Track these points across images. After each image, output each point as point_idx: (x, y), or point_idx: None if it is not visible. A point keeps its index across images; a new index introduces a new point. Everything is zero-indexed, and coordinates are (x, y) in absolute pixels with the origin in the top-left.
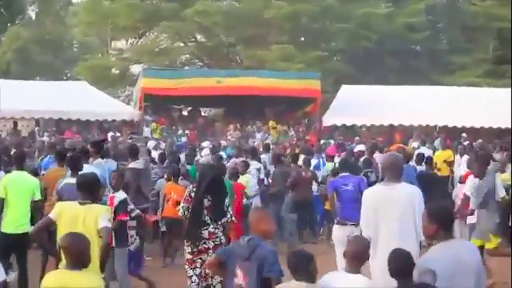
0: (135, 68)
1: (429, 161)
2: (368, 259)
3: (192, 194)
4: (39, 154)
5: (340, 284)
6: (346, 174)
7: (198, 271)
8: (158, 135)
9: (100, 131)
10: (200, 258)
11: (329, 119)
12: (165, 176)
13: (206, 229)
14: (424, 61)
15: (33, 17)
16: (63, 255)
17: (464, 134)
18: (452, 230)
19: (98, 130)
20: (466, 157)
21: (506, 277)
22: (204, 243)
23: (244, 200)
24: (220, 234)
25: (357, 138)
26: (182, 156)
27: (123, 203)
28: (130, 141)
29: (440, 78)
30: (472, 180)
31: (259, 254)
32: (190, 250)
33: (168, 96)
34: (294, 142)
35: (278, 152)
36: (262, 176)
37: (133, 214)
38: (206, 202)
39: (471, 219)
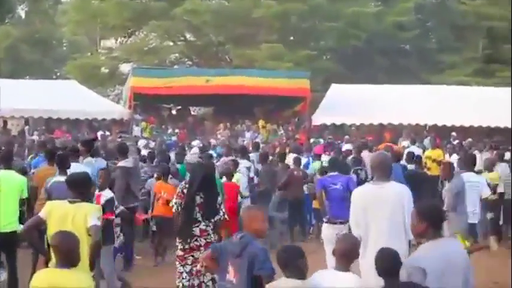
0: (125, 67)
1: (418, 159)
2: (357, 257)
3: (185, 191)
4: (29, 153)
5: (330, 281)
6: (335, 173)
7: (188, 268)
8: (148, 134)
9: (90, 130)
10: (192, 256)
11: (318, 118)
12: (155, 175)
13: (197, 226)
14: (414, 60)
15: (23, 15)
16: (53, 254)
17: (454, 133)
18: (441, 229)
19: (87, 129)
20: (455, 156)
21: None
22: (196, 240)
23: (239, 199)
24: (211, 231)
25: (346, 137)
26: (172, 155)
27: (110, 201)
28: (119, 140)
29: (430, 77)
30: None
31: (250, 252)
32: (181, 247)
33: (158, 95)
34: (284, 141)
35: (266, 151)
36: (252, 174)
37: (117, 211)
38: (198, 199)
39: None
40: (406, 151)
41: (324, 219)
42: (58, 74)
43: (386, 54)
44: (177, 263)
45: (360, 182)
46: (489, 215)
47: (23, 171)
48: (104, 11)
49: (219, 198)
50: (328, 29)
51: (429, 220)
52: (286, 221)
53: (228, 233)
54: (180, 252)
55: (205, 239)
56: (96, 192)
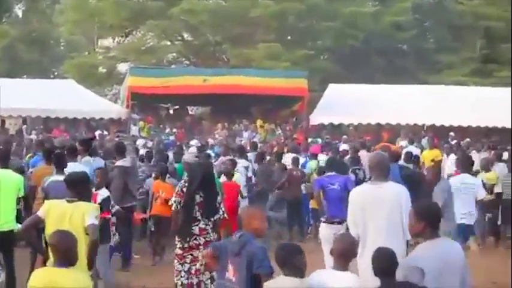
0: (122, 67)
1: (416, 159)
2: (355, 256)
3: (184, 189)
4: (26, 152)
5: (328, 281)
6: (333, 173)
7: (187, 267)
8: (146, 134)
9: (87, 129)
10: (191, 254)
11: (316, 118)
12: (153, 175)
13: (197, 225)
14: (411, 60)
15: (20, 15)
16: (51, 253)
17: (451, 133)
18: (438, 229)
19: (85, 128)
20: (452, 156)
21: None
22: (195, 239)
23: (239, 199)
24: (211, 230)
25: (344, 137)
26: (170, 155)
27: (106, 200)
28: (117, 139)
29: (427, 77)
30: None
31: (249, 251)
32: (181, 246)
33: (155, 95)
34: (282, 141)
35: (262, 151)
36: (250, 174)
37: (113, 210)
38: (198, 198)
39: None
40: (404, 151)
41: (322, 219)
42: (56, 73)
43: (383, 54)
44: (175, 261)
45: (358, 182)
46: (487, 216)
47: (20, 170)
48: (102, 10)
49: (219, 197)
50: (325, 29)
51: (427, 220)
52: (285, 220)
53: (228, 232)
54: (179, 251)
55: (204, 238)
56: (93, 191)
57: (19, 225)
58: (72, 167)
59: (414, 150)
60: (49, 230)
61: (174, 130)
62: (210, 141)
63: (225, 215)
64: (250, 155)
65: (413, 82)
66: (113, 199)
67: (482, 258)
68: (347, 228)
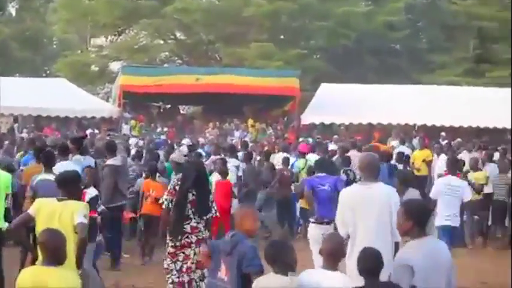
0: (115, 65)
1: (407, 159)
2: (344, 256)
3: (177, 187)
4: (17, 150)
5: (318, 280)
6: (323, 174)
7: (179, 265)
8: (137, 133)
9: (79, 128)
10: (183, 253)
11: (308, 117)
12: (144, 175)
13: (188, 223)
14: (404, 60)
15: (14, 13)
16: (39, 252)
17: (443, 133)
18: (425, 228)
19: (76, 127)
20: (443, 156)
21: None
22: (187, 237)
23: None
24: (203, 228)
25: (335, 136)
26: (161, 154)
27: (94, 199)
28: (108, 138)
29: (420, 77)
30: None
31: (240, 250)
32: (172, 244)
33: (147, 94)
34: (273, 140)
35: (250, 151)
36: (240, 173)
37: (99, 209)
38: (190, 196)
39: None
40: (396, 151)
41: (311, 220)
42: (48, 71)
43: (376, 54)
44: (168, 259)
45: (349, 182)
46: (475, 217)
47: (9, 169)
48: (95, 9)
49: (211, 196)
50: (318, 28)
51: (415, 218)
52: (274, 219)
53: (221, 232)
54: (171, 249)
55: (196, 236)
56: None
57: (7, 224)
58: (63, 166)
59: (405, 150)
60: (39, 228)
61: (166, 129)
62: (201, 140)
63: (217, 214)
64: (241, 155)
65: (406, 82)
66: (103, 198)
67: (471, 259)
68: (335, 228)
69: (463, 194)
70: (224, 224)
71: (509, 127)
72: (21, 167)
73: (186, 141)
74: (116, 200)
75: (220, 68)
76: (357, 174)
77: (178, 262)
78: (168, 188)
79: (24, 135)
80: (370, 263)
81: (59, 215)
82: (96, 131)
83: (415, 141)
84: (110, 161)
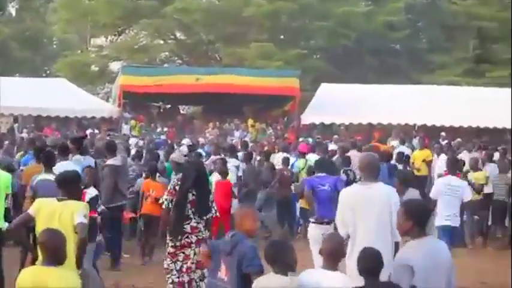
0: (115, 65)
1: (407, 159)
2: (344, 256)
3: (177, 187)
4: (17, 150)
5: (318, 280)
6: (323, 174)
7: (179, 265)
8: (137, 133)
9: (79, 128)
10: (183, 253)
11: (308, 117)
12: (144, 175)
13: (188, 223)
14: (404, 60)
15: (14, 13)
16: (39, 252)
17: (443, 133)
18: (425, 228)
19: (76, 127)
20: (443, 156)
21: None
22: (187, 237)
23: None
24: (203, 228)
25: (335, 136)
26: (161, 154)
27: (94, 199)
28: (108, 138)
29: (420, 77)
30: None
31: (239, 250)
32: (172, 244)
33: (147, 94)
34: (273, 140)
35: (250, 151)
36: (240, 173)
37: (99, 209)
38: (190, 196)
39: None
40: (396, 151)
41: (311, 220)
42: (48, 71)
43: (376, 54)
44: (168, 259)
45: (349, 183)
46: (475, 217)
47: (9, 169)
48: (95, 9)
49: (211, 196)
50: (318, 28)
51: (415, 218)
52: (274, 219)
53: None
54: (171, 249)
55: (196, 236)
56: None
57: (7, 224)
58: (63, 166)
59: (405, 150)
60: (39, 228)
61: (166, 129)
62: (201, 140)
63: (217, 214)
64: (241, 155)
65: (405, 82)
66: (103, 198)
67: (471, 259)
68: (335, 228)
69: (463, 194)
70: (224, 224)
71: (509, 127)
72: (21, 167)
73: (186, 141)
74: (116, 200)
75: (220, 68)
76: (357, 174)
77: (178, 262)
78: (168, 188)
79: (24, 135)
80: (370, 263)
81: (59, 215)
82: (96, 131)
83: (415, 141)
84: (110, 161)
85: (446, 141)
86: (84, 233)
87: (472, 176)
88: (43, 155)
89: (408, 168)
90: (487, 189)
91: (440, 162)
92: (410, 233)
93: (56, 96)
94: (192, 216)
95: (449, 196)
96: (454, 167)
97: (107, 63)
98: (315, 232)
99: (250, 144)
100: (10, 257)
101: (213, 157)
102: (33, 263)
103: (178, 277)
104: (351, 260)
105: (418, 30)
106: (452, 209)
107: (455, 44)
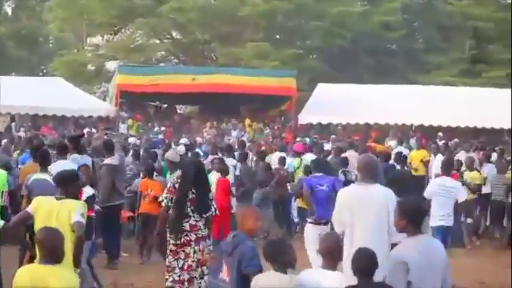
0: (111, 65)
1: (403, 159)
2: (342, 255)
3: (176, 185)
4: (15, 149)
5: (317, 280)
6: (320, 174)
7: (180, 263)
8: (134, 132)
9: (76, 127)
10: (183, 251)
11: (305, 117)
12: (141, 174)
13: (187, 221)
14: (400, 60)
15: (9, 12)
16: (37, 250)
17: (440, 133)
18: (420, 226)
19: (73, 126)
20: (440, 156)
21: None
22: (186, 235)
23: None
24: (202, 226)
25: (332, 136)
26: (159, 153)
27: (91, 198)
28: (105, 137)
29: (416, 77)
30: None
31: (240, 251)
32: (173, 242)
33: (144, 93)
34: (270, 140)
35: (245, 151)
36: (237, 173)
37: (95, 208)
38: (190, 194)
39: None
40: (394, 151)
41: (308, 219)
42: (44, 70)
43: (372, 54)
44: (170, 257)
45: (348, 183)
46: (469, 220)
47: (6, 167)
48: (91, 8)
49: (211, 194)
50: (314, 28)
51: (409, 217)
52: (271, 217)
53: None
54: (172, 247)
55: (195, 234)
56: None
57: (2, 222)
58: (61, 165)
59: (404, 150)
60: (38, 226)
61: (163, 128)
62: (199, 139)
63: (217, 212)
64: (238, 154)
65: (402, 82)
66: (100, 197)
67: (470, 259)
68: (332, 229)
69: (457, 195)
70: (224, 222)
71: (506, 127)
72: (19, 166)
73: (184, 140)
74: (113, 199)
75: (216, 67)
76: (353, 175)
77: (180, 260)
78: (168, 186)
79: (22, 134)
80: (364, 263)
81: (56, 213)
82: (94, 130)
83: (412, 142)
84: (107, 160)
85: (443, 142)
86: (81, 231)
87: (467, 175)
88: (38, 154)
89: (406, 168)
90: (485, 190)
91: (437, 162)
92: (405, 231)
93: (52, 95)
94: (191, 214)
95: (443, 197)
96: (449, 168)
97: (103, 63)
98: (312, 232)
99: (248, 144)
100: (7, 256)
101: (210, 157)
102: (31, 261)
103: (179, 275)
104: (347, 260)
105: (414, 31)
106: (446, 209)
107: (451, 44)
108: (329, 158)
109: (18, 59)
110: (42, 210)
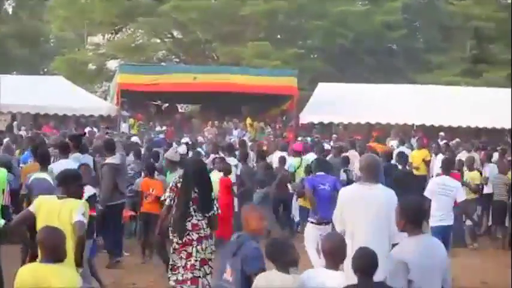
0: (112, 64)
1: (405, 159)
2: (345, 254)
3: (179, 185)
4: (16, 148)
5: (321, 280)
6: (322, 173)
7: (183, 262)
8: (135, 131)
9: (77, 126)
10: (185, 251)
11: (306, 117)
12: (142, 174)
13: (189, 221)
14: (401, 59)
15: (10, 11)
16: (39, 249)
17: (441, 133)
18: (421, 226)
19: (75, 125)
20: (441, 156)
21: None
22: (188, 234)
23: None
24: (205, 225)
25: (334, 136)
26: (160, 152)
27: (92, 197)
28: (107, 136)
29: (417, 77)
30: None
31: (243, 252)
32: (176, 241)
33: (145, 92)
34: (271, 139)
35: (246, 151)
36: (239, 172)
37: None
38: (193, 194)
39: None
40: (396, 151)
41: (310, 219)
42: (45, 70)
43: (373, 54)
44: (174, 256)
45: (349, 182)
46: (468, 222)
47: (6, 166)
48: (91, 7)
49: (213, 193)
50: (315, 28)
51: (408, 217)
52: (272, 217)
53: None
54: (176, 246)
55: (197, 233)
56: None
57: (3, 221)
58: (63, 164)
59: (406, 150)
60: (39, 225)
61: (164, 128)
62: (200, 139)
63: (219, 211)
64: (239, 154)
65: (403, 82)
66: (102, 196)
67: (472, 259)
68: (333, 229)
69: (457, 195)
70: (226, 221)
71: (508, 127)
72: (20, 165)
73: (186, 140)
74: (115, 199)
75: (217, 66)
76: (354, 174)
77: (183, 259)
78: (170, 185)
79: (23, 133)
80: (365, 262)
81: (58, 212)
82: (95, 129)
83: (413, 141)
84: (108, 160)
85: (444, 141)
86: (82, 231)
87: (467, 175)
88: (38, 154)
89: (407, 168)
90: (487, 190)
91: (438, 162)
92: (405, 230)
93: (54, 94)
94: (193, 213)
95: (442, 196)
96: (449, 167)
97: (104, 62)
98: (312, 232)
99: (249, 143)
100: (9, 255)
101: (211, 156)
102: (33, 260)
103: (182, 275)
104: (347, 259)
105: (415, 30)
106: (445, 209)
107: (452, 44)
108: (328, 157)
109: (19, 58)
110: (44, 209)
